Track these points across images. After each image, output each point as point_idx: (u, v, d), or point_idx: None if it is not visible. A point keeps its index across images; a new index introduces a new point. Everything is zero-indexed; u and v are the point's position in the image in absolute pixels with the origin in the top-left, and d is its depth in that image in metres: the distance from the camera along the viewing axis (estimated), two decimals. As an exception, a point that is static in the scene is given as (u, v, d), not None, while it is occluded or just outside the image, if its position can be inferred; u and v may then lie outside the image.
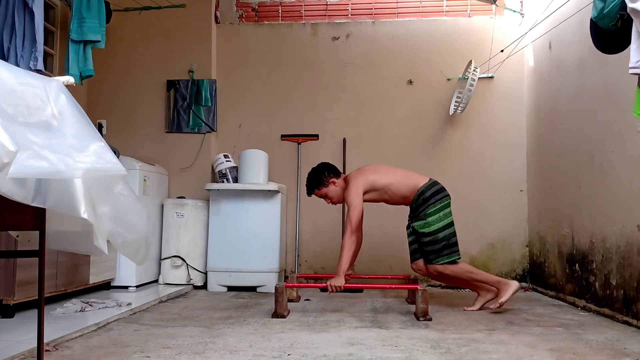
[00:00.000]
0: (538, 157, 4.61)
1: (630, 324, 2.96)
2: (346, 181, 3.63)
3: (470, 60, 4.63)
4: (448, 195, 3.56)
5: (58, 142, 1.51)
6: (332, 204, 3.76)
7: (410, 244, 3.61)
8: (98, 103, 5.01)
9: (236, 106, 5.11)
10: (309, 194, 3.74)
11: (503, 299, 3.35)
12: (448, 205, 3.53)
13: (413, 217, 3.59)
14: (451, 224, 3.51)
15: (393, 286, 4.13)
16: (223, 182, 4.69)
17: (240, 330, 2.85)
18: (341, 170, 4.15)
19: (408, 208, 3.68)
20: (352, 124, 4.98)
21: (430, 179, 3.61)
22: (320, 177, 3.65)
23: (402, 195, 3.60)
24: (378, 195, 3.62)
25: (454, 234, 3.50)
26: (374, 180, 3.57)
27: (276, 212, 4.49)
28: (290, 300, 3.63)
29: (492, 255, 4.82)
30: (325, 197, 3.70)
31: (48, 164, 1.39)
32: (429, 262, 3.49)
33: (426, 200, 3.50)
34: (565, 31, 3.92)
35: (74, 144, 1.55)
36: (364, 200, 3.55)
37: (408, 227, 3.61)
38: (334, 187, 3.64)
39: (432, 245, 3.47)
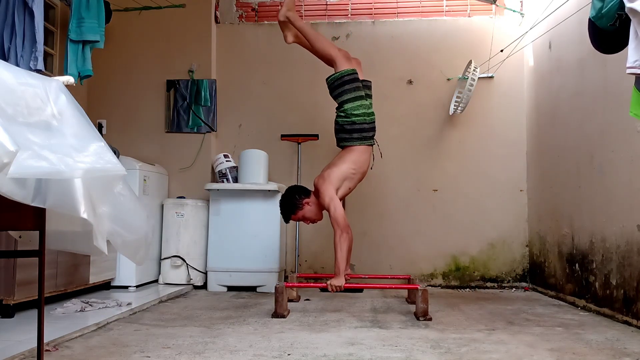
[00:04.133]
0: (538, 157, 4.61)
1: (630, 324, 2.97)
2: (316, 194, 3.61)
3: (470, 60, 4.62)
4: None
5: (58, 142, 1.51)
6: (312, 222, 3.73)
7: None
8: (98, 103, 5.01)
9: (236, 106, 5.11)
10: (287, 221, 3.73)
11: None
12: None
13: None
14: None
15: (393, 286, 4.14)
16: (223, 182, 4.69)
17: (240, 330, 2.85)
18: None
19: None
20: (352, 124, 4.96)
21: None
22: (293, 202, 3.63)
23: (365, 170, 3.70)
24: (350, 182, 3.64)
25: None
26: (339, 173, 3.59)
27: (276, 212, 4.45)
28: (290, 300, 3.63)
29: (492, 255, 4.82)
30: (303, 219, 3.68)
31: (48, 164, 1.39)
32: None
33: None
34: (565, 31, 3.92)
35: (74, 144, 1.55)
36: (343, 196, 3.57)
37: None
38: (308, 207, 3.62)
39: None
